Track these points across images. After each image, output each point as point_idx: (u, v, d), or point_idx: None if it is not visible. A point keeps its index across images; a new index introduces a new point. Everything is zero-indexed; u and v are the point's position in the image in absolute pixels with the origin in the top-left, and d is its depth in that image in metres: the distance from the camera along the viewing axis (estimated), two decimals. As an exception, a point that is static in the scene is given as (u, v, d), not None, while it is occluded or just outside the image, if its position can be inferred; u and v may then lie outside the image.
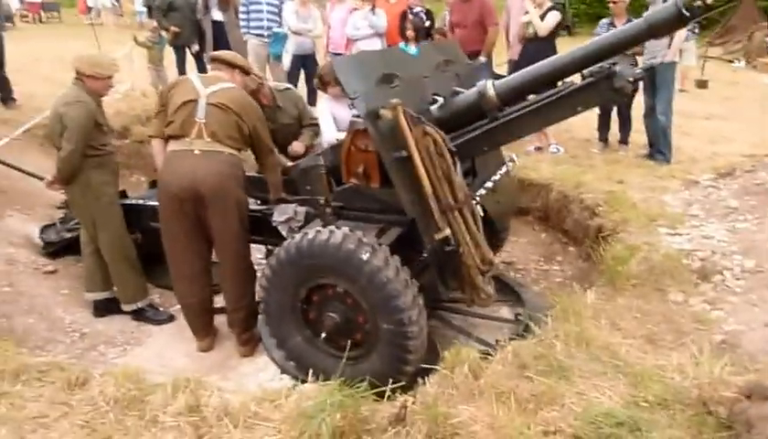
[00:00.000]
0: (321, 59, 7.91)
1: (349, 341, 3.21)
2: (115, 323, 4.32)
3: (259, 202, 4.24)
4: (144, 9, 19.04)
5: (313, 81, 6.27)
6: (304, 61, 7.85)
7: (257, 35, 7.85)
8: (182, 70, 8.87)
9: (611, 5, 6.40)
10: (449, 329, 3.97)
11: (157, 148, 3.87)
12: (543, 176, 5.58)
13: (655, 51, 6.18)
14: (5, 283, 4.25)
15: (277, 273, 3.34)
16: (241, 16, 7.92)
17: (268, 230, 3.86)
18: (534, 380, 2.52)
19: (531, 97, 3.35)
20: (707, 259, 3.61)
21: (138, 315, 4.37)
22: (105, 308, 4.38)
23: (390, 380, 2.70)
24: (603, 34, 3.42)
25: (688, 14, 2.72)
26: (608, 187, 5.09)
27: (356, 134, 3.44)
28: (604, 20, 6.63)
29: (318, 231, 3.18)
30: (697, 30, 10.87)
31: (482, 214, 3.43)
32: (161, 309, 4.50)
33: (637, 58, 6.31)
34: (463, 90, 3.60)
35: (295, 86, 6.79)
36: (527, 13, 6.64)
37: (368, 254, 3.02)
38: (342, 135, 3.94)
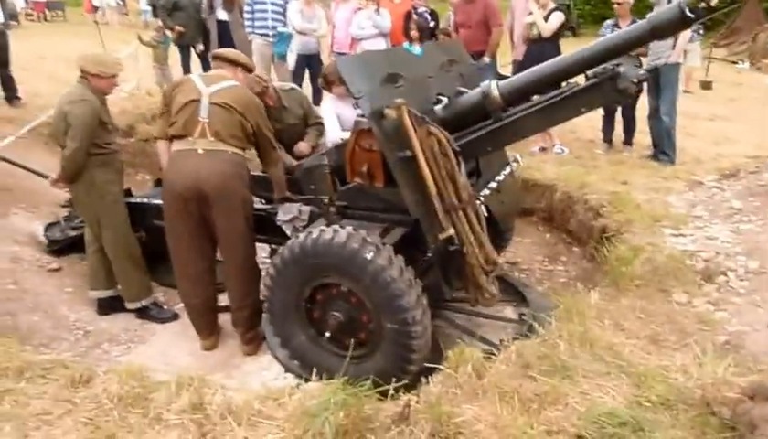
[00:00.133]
0: (325, 59, 7.93)
1: (353, 340, 3.22)
2: (119, 321, 4.33)
3: (263, 201, 4.25)
4: (149, 8, 19.06)
5: (317, 81, 6.29)
6: (309, 61, 7.87)
7: (261, 34, 7.87)
8: (187, 70, 8.90)
9: (615, 6, 6.39)
10: (453, 329, 3.97)
11: (162, 148, 3.88)
12: (547, 177, 5.57)
13: (659, 52, 6.17)
14: (10, 281, 4.27)
15: (281, 272, 3.35)
16: (246, 15, 7.94)
17: (272, 228, 3.87)
18: (537, 380, 2.52)
19: (535, 98, 3.35)
20: (711, 260, 3.60)
21: (142, 313, 4.38)
22: (109, 306, 4.39)
23: (394, 379, 2.70)
24: (608, 35, 3.41)
25: (691, 15, 2.72)
26: (612, 188, 5.08)
27: (360, 134, 3.45)
28: (609, 21, 6.63)
29: (322, 230, 3.18)
30: (701, 31, 10.85)
31: (486, 214, 3.42)
32: (165, 307, 4.51)
33: (642, 59, 6.30)
34: (467, 90, 3.60)
35: (300, 85, 6.81)
36: (530, 14, 6.64)
37: (371, 253, 3.02)
38: (346, 135, 3.95)
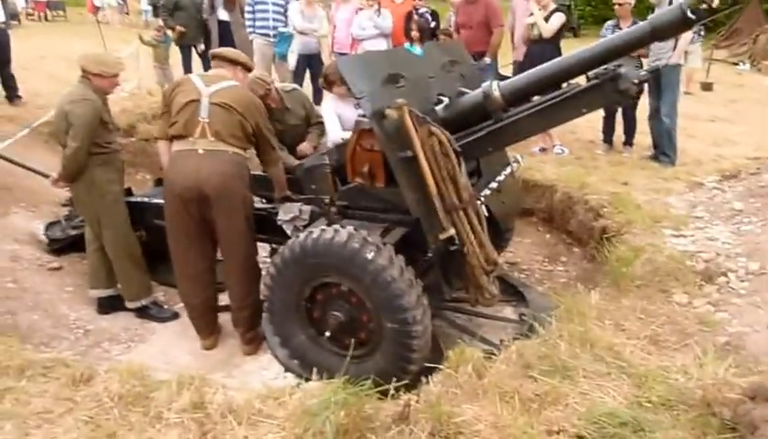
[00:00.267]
0: (326, 59, 7.94)
1: (353, 340, 3.22)
2: (119, 320, 4.33)
3: (264, 201, 4.25)
4: (150, 8, 19.07)
5: (318, 81, 6.29)
6: (310, 61, 7.88)
7: (262, 34, 7.88)
8: (188, 70, 8.90)
9: (616, 7, 6.40)
10: (453, 329, 3.98)
11: (163, 149, 3.89)
12: (548, 177, 5.58)
13: (660, 53, 6.17)
14: (10, 280, 4.27)
15: (282, 272, 3.35)
16: (247, 15, 7.94)
17: (273, 228, 3.87)
18: (538, 380, 2.52)
19: (536, 98, 3.35)
20: (711, 261, 3.60)
21: (142, 312, 4.38)
22: (109, 305, 4.39)
23: (394, 379, 2.70)
24: (609, 36, 3.41)
25: (692, 17, 2.72)
26: (612, 189, 5.09)
27: (361, 134, 3.45)
28: (610, 22, 6.64)
29: (323, 230, 3.19)
30: (702, 33, 10.86)
31: (486, 214, 3.42)
32: (165, 307, 4.51)
33: (642, 60, 6.31)
34: (468, 90, 3.61)
35: (300, 85, 6.82)
36: (531, 14, 6.64)
37: (372, 253, 3.02)
38: (347, 135, 3.95)
